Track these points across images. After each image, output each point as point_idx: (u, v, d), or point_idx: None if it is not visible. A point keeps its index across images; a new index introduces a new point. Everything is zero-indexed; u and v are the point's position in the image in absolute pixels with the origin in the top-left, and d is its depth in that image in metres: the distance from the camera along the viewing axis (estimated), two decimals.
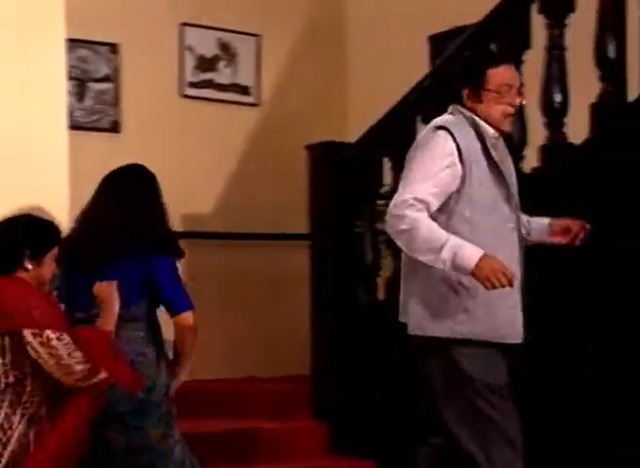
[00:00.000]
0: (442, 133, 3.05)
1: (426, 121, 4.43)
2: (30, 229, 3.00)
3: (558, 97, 4.04)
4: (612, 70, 3.90)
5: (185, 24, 5.68)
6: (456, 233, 2.98)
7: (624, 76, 3.90)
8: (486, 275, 2.88)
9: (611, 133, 3.79)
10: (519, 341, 3.08)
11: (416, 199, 2.97)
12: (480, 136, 3.07)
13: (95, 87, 5.45)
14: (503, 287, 2.90)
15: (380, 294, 4.67)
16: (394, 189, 4.49)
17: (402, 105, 4.50)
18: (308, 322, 4.74)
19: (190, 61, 5.73)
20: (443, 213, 3.03)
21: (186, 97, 5.71)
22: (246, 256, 5.49)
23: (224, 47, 5.82)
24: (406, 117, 4.49)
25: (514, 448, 3.02)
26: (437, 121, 3.13)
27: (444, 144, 3.03)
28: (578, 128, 3.95)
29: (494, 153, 3.08)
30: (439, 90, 4.38)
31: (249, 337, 5.40)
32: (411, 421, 4.26)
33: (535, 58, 4.08)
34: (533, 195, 4.05)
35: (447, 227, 3.00)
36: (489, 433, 3.00)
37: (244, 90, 5.86)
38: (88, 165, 5.19)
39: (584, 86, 3.88)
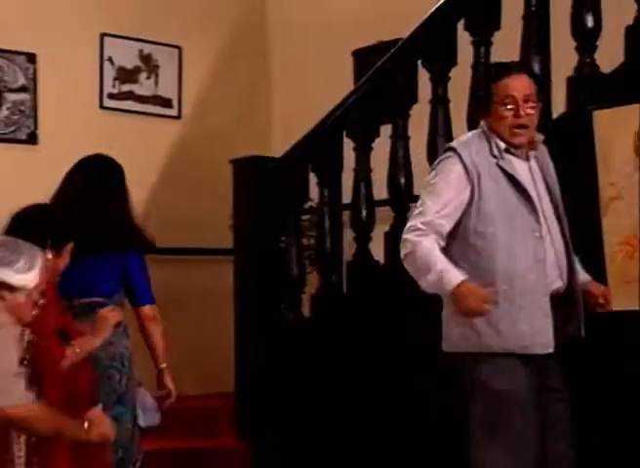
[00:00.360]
0: (450, 153, 3.11)
1: (352, 136, 4.46)
2: (55, 219, 3.03)
3: None
4: (538, 88, 3.93)
5: (105, 35, 5.58)
6: (472, 247, 3.03)
7: (550, 94, 3.94)
8: (465, 303, 2.92)
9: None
10: (547, 351, 3.03)
11: (423, 223, 3.03)
12: (492, 149, 3.11)
13: (11, 97, 5.31)
14: (482, 313, 2.92)
15: (306, 311, 4.62)
16: (320, 204, 4.53)
17: (328, 120, 4.47)
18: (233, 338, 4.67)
19: (110, 72, 5.62)
20: (459, 228, 3.06)
21: (106, 108, 5.60)
22: (169, 271, 5.37)
23: (145, 58, 5.73)
24: (332, 132, 4.47)
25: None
26: (454, 141, 3.23)
27: (451, 167, 3.08)
28: None
29: (506, 166, 3.08)
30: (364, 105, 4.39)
31: (171, 353, 5.29)
32: (337, 441, 4.23)
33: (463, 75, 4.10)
34: None
35: (465, 241, 3.05)
36: (504, 455, 3.00)
37: (166, 102, 5.77)
38: (3, 178, 5.06)
39: None
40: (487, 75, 3.28)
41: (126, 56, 5.65)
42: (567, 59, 3.82)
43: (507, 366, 3.02)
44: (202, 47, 5.86)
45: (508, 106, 3.09)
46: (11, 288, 2.63)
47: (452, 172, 3.07)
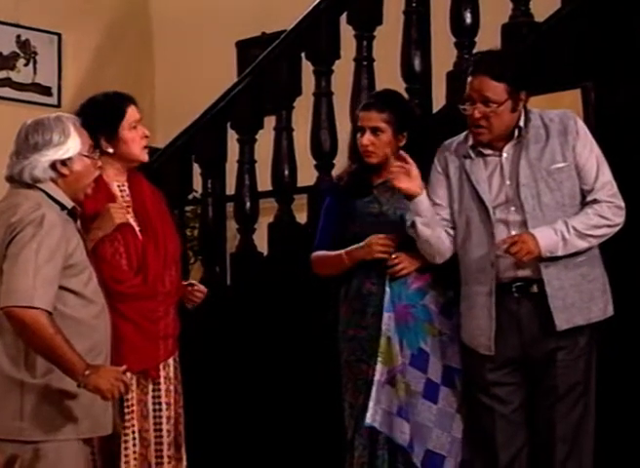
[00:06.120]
0: None
1: (236, 128, 4.45)
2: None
3: None
4: (418, 83, 4.01)
5: None
6: None
7: (430, 89, 4.02)
8: None
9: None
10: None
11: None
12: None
13: None
14: None
15: None
16: (204, 195, 4.50)
17: (211, 111, 4.45)
18: None
19: None
20: None
21: None
22: None
23: (23, 44, 5.60)
24: (215, 123, 4.45)
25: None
26: None
27: None
28: None
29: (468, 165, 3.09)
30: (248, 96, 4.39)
31: None
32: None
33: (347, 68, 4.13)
34: None
35: None
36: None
37: (45, 90, 5.65)
38: None
39: None
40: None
41: (2, 41, 5.51)
42: (448, 55, 3.91)
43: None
44: (82, 34, 5.76)
45: (468, 106, 3.03)
46: (63, 162, 2.74)
47: None
